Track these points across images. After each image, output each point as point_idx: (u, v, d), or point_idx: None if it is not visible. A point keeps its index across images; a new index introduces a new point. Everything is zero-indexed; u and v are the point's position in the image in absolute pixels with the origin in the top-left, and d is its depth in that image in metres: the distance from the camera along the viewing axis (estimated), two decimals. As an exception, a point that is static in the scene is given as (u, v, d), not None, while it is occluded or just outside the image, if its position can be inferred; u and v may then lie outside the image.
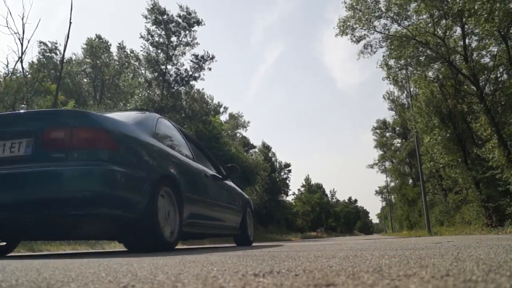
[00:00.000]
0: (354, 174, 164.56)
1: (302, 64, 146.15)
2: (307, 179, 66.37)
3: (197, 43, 24.29)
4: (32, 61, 20.86)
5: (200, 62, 24.34)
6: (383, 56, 16.87)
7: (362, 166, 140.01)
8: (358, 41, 16.86)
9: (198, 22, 24.21)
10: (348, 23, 16.51)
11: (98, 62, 29.06)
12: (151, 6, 23.36)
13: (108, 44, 31.81)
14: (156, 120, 3.79)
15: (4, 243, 3.70)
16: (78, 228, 3.15)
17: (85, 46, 30.30)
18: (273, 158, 44.58)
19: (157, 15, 23.43)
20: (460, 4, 13.04)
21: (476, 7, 12.50)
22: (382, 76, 17.54)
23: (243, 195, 5.85)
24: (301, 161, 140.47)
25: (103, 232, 3.53)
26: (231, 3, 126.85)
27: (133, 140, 3.15)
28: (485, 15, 12.35)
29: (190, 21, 23.96)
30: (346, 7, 16.43)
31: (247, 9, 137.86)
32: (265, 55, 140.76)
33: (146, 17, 23.50)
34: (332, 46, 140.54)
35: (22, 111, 3.68)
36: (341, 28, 16.54)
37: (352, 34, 16.68)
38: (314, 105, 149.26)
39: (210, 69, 24.58)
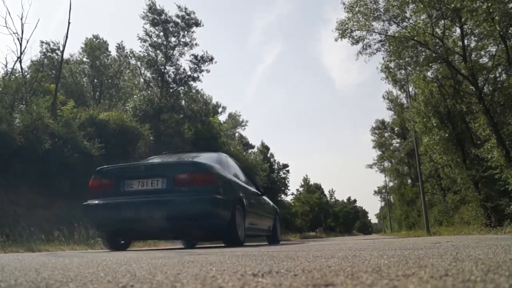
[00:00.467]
0: (353, 174, 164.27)
1: (301, 64, 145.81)
2: (306, 179, 66.29)
3: (196, 44, 24.24)
4: (36, 60, 20.72)
5: (199, 63, 24.27)
6: (383, 59, 16.85)
7: (361, 166, 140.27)
8: (357, 42, 16.82)
9: (197, 24, 24.12)
10: (347, 25, 16.44)
11: (97, 62, 28.96)
12: (149, 6, 23.31)
13: (106, 43, 31.71)
14: (226, 158, 5.73)
15: (123, 242, 5.26)
16: (191, 232, 4.94)
17: (83, 46, 30.23)
18: (271, 159, 44.54)
19: (155, 15, 23.36)
20: (459, 5, 13.02)
21: (474, 5, 12.49)
22: (381, 76, 17.46)
23: (274, 206, 7.71)
24: (301, 161, 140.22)
25: (203, 235, 5.19)
26: (230, 3, 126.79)
27: (222, 177, 4.87)
28: (484, 15, 12.35)
29: (189, 21, 23.88)
30: (345, 8, 16.39)
31: (246, 9, 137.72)
32: (264, 55, 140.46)
33: (144, 18, 23.45)
34: (330, 46, 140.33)
35: (160, 161, 5.51)
36: (340, 31, 16.45)
37: (351, 36, 16.62)
38: (313, 105, 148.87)
39: (208, 71, 24.53)
